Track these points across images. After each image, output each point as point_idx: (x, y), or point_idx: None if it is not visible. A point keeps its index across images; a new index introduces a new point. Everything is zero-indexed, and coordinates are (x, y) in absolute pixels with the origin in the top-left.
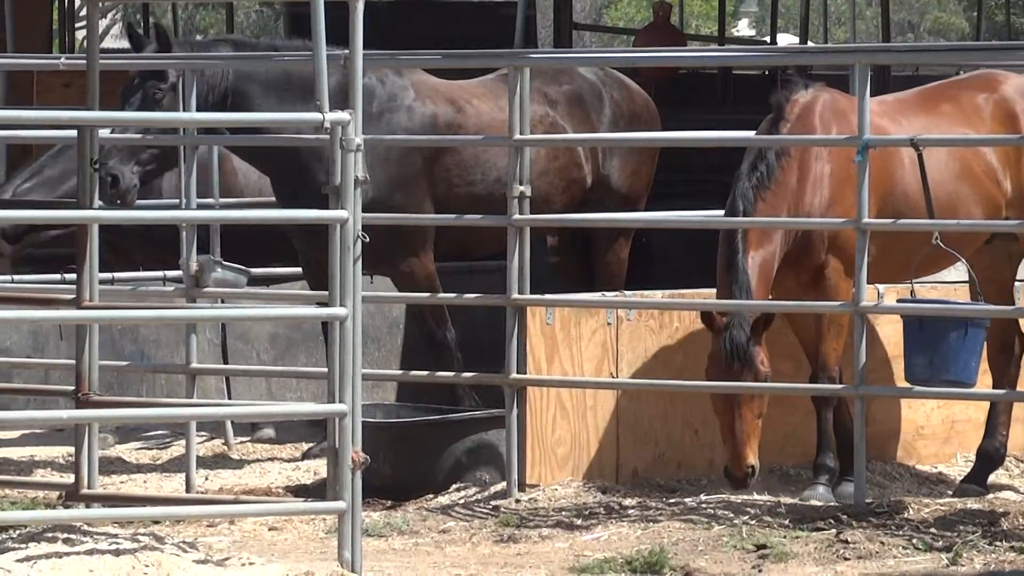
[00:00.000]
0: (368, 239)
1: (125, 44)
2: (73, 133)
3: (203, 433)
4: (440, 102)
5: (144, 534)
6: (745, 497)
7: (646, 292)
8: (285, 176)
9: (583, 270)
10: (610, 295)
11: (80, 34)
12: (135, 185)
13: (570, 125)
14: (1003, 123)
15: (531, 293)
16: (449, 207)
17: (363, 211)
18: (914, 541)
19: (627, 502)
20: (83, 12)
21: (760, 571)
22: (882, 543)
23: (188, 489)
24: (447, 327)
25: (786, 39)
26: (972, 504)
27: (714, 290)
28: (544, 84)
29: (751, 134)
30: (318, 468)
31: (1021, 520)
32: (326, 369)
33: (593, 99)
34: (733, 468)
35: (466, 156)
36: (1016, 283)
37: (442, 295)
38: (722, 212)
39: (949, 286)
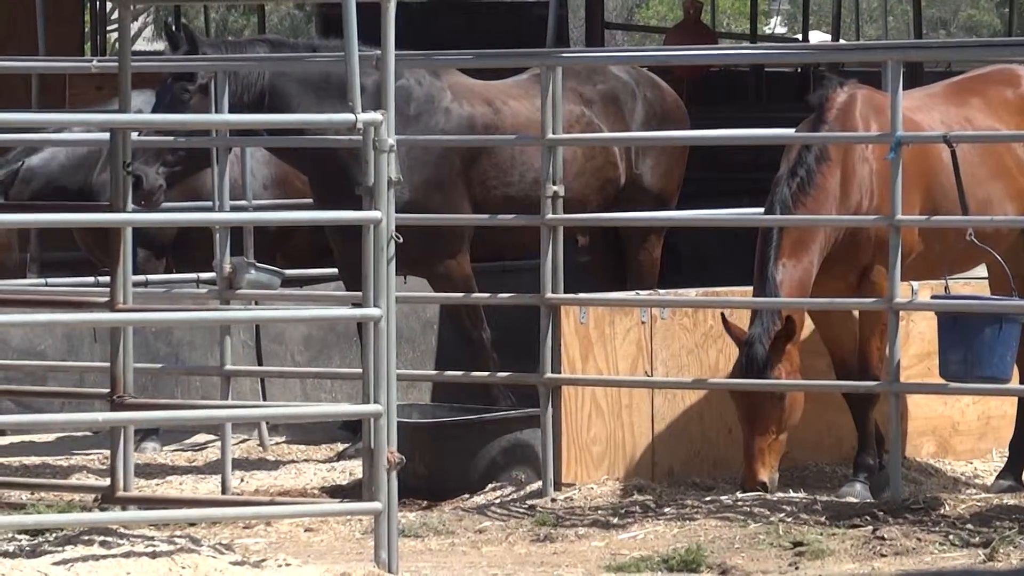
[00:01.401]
0: (402, 240)
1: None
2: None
3: (238, 435)
4: (477, 103)
5: (180, 536)
6: (781, 495)
7: (680, 291)
8: (322, 177)
9: (615, 269)
10: (644, 294)
11: (112, 36)
12: (161, 186)
13: (605, 124)
14: None
15: (564, 293)
16: (487, 209)
17: (401, 212)
18: (951, 537)
19: (663, 500)
20: (115, 15)
21: (797, 568)
22: (919, 539)
23: (224, 491)
24: (483, 327)
25: (818, 36)
26: (1008, 500)
27: (746, 287)
28: (579, 84)
29: (785, 131)
30: (353, 469)
31: None
32: (360, 370)
33: (627, 98)
34: (745, 483)
35: (503, 158)
36: None
37: (476, 295)
38: (753, 210)
39: (983, 282)
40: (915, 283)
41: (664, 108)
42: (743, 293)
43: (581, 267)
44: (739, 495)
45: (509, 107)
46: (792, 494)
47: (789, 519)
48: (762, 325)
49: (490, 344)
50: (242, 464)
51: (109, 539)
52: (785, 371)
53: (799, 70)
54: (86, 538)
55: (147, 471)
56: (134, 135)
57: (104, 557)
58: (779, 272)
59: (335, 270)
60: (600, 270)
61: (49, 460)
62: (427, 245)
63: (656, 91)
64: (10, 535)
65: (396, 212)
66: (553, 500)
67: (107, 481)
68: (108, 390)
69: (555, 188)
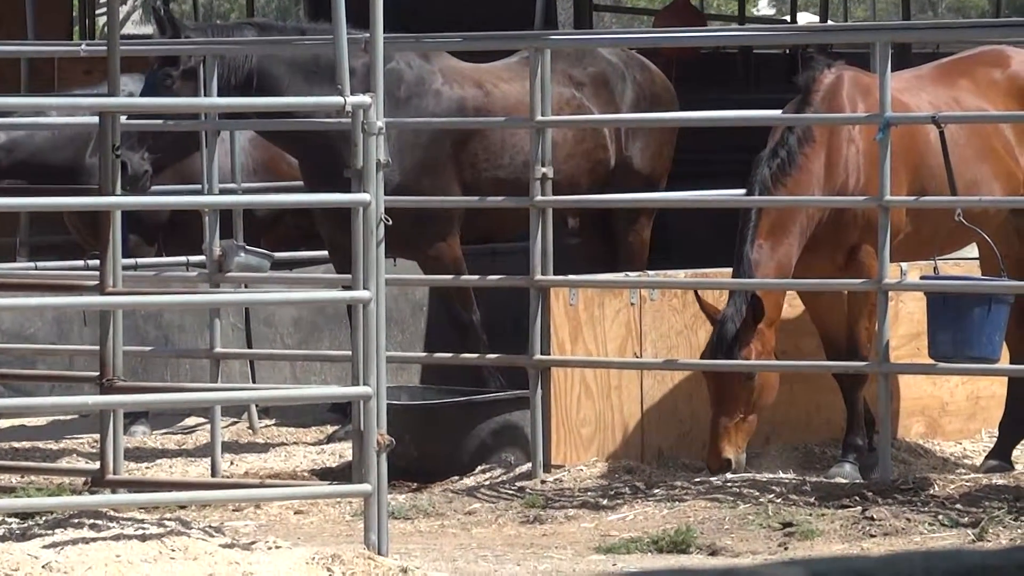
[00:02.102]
0: (391, 222)
1: (146, 30)
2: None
3: (227, 418)
4: (468, 86)
5: (170, 519)
6: (770, 475)
7: (669, 272)
8: (313, 159)
9: (605, 251)
10: (633, 275)
11: (101, 20)
12: (147, 171)
13: (596, 107)
14: (1017, 99)
15: (554, 274)
16: (477, 191)
17: (391, 195)
18: (940, 517)
19: (652, 482)
20: None
21: (786, 549)
22: (908, 520)
23: (214, 474)
24: (473, 309)
25: (806, 18)
26: (997, 480)
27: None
28: (570, 66)
29: (775, 113)
30: (343, 451)
31: None
32: (350, 352)
33: (617, 81)
34: (708, 460)
35: (494, 140)
36: None
37: (466, 277)
38: (743, 191)
39: (972, 262)
40: (904, 264)
41: (654, 91)
42: (731, 274)
43: (571, 249)
44: (728, 476)
45: (500, 90)
46: (781, 475)
47: (778, 500)
48: (735, 305)
49: (480, 326)
50: (232, 447)
51: (99, 522)
52: (756, 351)
53: (788, 52)
54: (76, 521)
55: (137, 454)
56: (123, 119)
57: (94, 540)
58: (755, 252)
59: (324, 253)
60: (590, 252)
61: (39, 443)
62: (417, 227)
63: (646, 74)
64: (0, 518)
65: (386, 195)
66: (543, 482)
67: (97, 464)
68: (98, 373)
69: (544, 170)
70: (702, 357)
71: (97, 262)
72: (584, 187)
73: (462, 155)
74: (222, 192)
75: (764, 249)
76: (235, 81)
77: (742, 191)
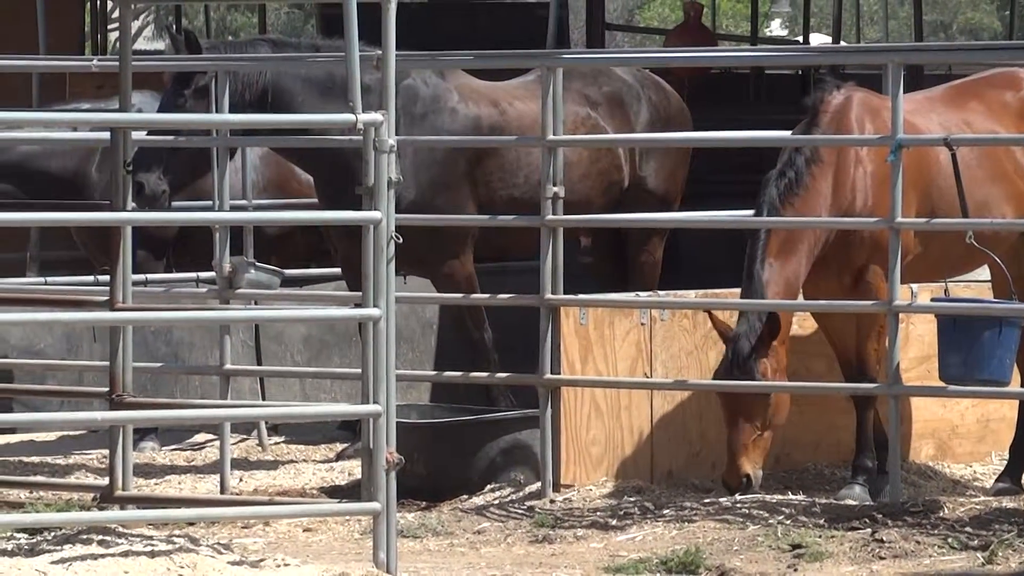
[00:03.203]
0: (401, 240)
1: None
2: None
3: (237, 434)
4: (483, 104)
5: (179, 536)
6: (780, 497)
7: (680, 292)
8: (328, 177)
9: (617, 271)
10: (644, 295)
11: (112, 36)
12: (164, 191)
13: (610, 126)
14: None
15: (564, 293)
16: (492, 210)
17: (406, 212)
18: (949, 540)
19: (662, 502)
20: (115, 14)
21: (795, 571)
22: (918, 542)
23: (222, 490)
24: (485, 328)
25: (819, 39)
26: (1007, 503)
27: None
28: (585, 86)
29: (784, 133)
30: (352, 469)
31: None
32: (360, 370)
33: (632, 101)
34: (727, 477)
35: (509, 159)
36: None
37: (476, 296)
38: (752, 212)
39: (983, 285)
40: (915, 286)
41: (668, 111)
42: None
43: (583, 268)
44: (738, 497)
45: (515, 108)
46: (791, 496)
47: (788, 521)
48: (748, 323)
49: (491, 345)
50: (241, 464)
51: (107, 538)
52: (770, 368)
53: (800, 72)
54: (84, 537)
55: (146, 470)
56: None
57: (102, 556)
58: (765, 271)
59: (334, 270)
60: (602, 272)
61: (48, 459)
62: (431, 245)
63: (661, 94)
64: (8, 534)
65: (401, 211)
66: (552, 501)
67: (106, 480)
68: (107, 389)
69: (555, 189)
70: (715, 375)
71: (107, 278)
72: (598, 207)
73: (477, 173)
74: (233, 209)
75: (774, 267)
76: (249, 98)
77: (750, 211)
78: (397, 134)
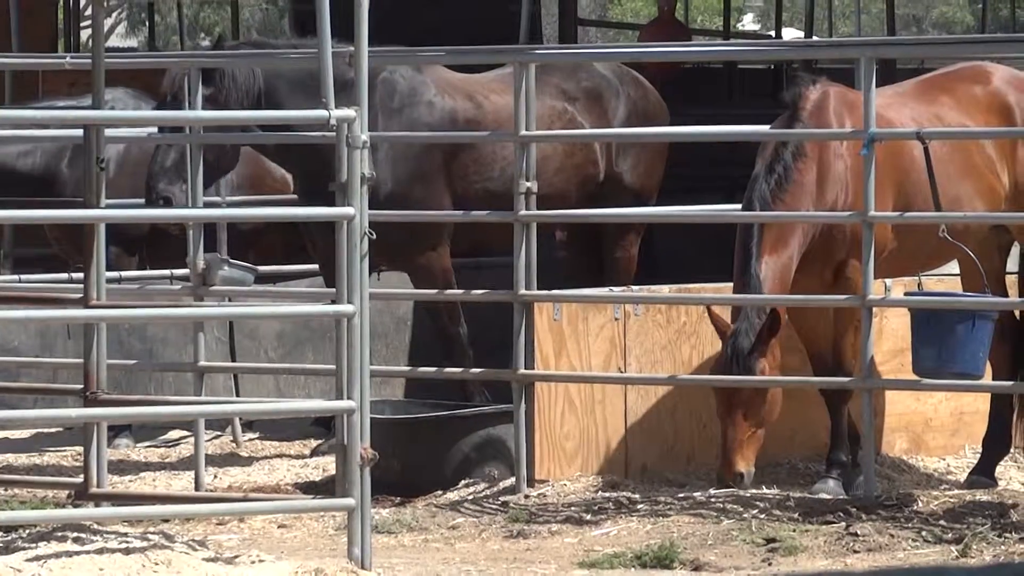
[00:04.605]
0: (375, 236)
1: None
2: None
3: (211, 431)
4: (459, 97)
5: (154, 532)
6: (754, 491)
7: (653, 287)
8: (306, 173)
9: (592, 266)
10: (617, 290)
11: (85, 33)
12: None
13: (588, 121)
14: (999, 114)
15: (539, 289)
16: (468, 203)
17: (382, 205)
18: (923, 533)
19: (636, 497)
20: (88, 11)
21: (770, 564)
22: (891, 536)
23: (197, 487)
24: (460, 322)
25: (791, 33)
26: (981, 496)
27: (719, 284)
28: (563, 80)
29: (762, 128)
30: (327, 465)
31: None
32: (334, 366)
33: (611, 96)
34: (722, 473)
35: (484, 153)
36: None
37: (449, 291)
38: (729, 206)
39: (955, 278)
40: (888, 280)
41: (647, 107)
42: (716, 290)
43: (558, 263)
44: (712, 491)
45: (491, 101)
46: (765, 490)
47: (762, 515)
48: (747, 320)
49: (467, 340)
50: (215, 460)
51: (82, 535)
52: (769, 365)
53: (772, 67)
54: (59, 534)
55: (120, 467)
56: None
57: (77, 553)
58: (762, 268)
59: (308, 267)
60: (577, 267)
61: (22, 456)
62: (408, 237)
63: (639, 90)
64: None
65: (377, 204)
66: (526, 496)
67: (80, 477)
68: (81, 386)
69: (528, 184)
70: (713, 371)
71: (81, 275)
72: (573, 201)
73: (453, 166)
74: (206, 206)
75: (770, 264)
76: (247, 103)
77: (729, 206)
78: (375, 128)
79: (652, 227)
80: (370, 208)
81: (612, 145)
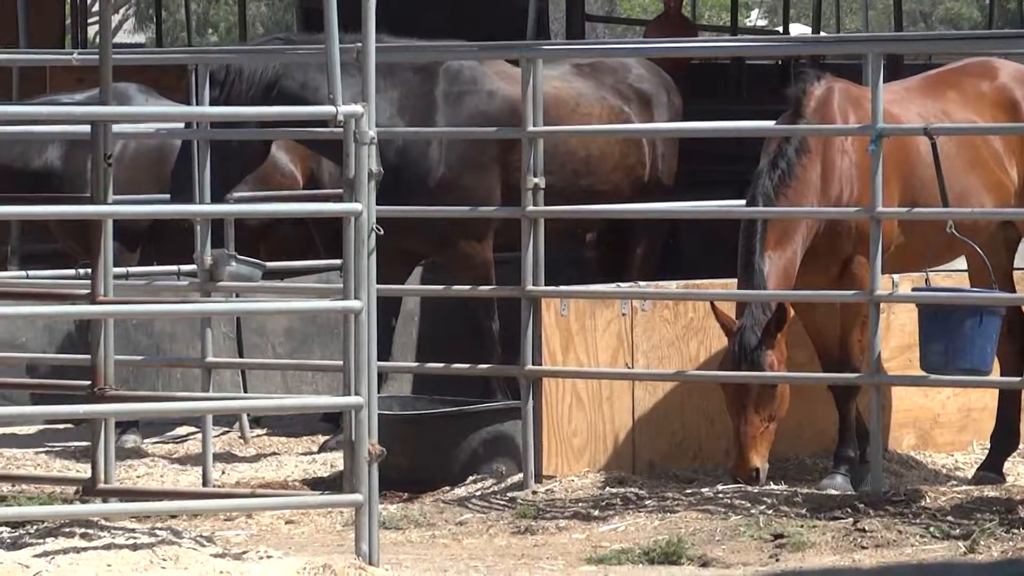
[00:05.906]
0: (382, 231)
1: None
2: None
3: (219, 427)
4: (518, 87)
5: (161, 528)
6: (762, 487)
7: (660, 283)
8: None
9: (619, 265)
10: (624, 286)
11: (92, 29)
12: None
13: (638, 123)
14: (1005, 110)
15: (558, 285)
16: (519, 196)
17: (435, 189)
18: (931, 529)
19: (644, 493)
20: (95, 7)
21: (777, 560)
22: (899, 531)
23: (205, 483)
24: (494, 317)
25: (798, 29)
26: (989, 492)
27: (726, 280)
28: (617, 81)
29: (769, 124)
30: (334, 461)
31: None
32: (341, 362)
33: (658, 102)
34: (736, 470)
35: (544, 146)
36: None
37: (457, 287)
38: (734, 202)
39: (963, 274)
40: (896, 276)
41: (679, 112)
42: (723, 286)
43: (587, 262)
44: (720, 487)
45: (546, 92)
46: (773, 486)
47: (770, 511)
48: (752, 315)
49: (498, 335)
50: (223, 456)
51: (90, 531)
52: (776, 359)
53: (780, 63)
54: (67, 530)
55: (128, 463)
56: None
57: (85, 549)
58: (766, 263)
59: (316, 262)
60: (604, 267)
61: (30, 452)
62: (455, 226)
63: (679, 99)
64: None
65: (430, 189)
66: (534, 492)
67: (88, 473)
68: (89, 382)
69: (536, 180)
70: (722, 367)
71: (88, 271)
72: (623, 200)
73: (509, 157)
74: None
75: (773, 259)
76: (255, 93)
77: (737, 202)
78: (437, 115)
79: (678, 225)
80: (420, 193)
81: (657, 148)
